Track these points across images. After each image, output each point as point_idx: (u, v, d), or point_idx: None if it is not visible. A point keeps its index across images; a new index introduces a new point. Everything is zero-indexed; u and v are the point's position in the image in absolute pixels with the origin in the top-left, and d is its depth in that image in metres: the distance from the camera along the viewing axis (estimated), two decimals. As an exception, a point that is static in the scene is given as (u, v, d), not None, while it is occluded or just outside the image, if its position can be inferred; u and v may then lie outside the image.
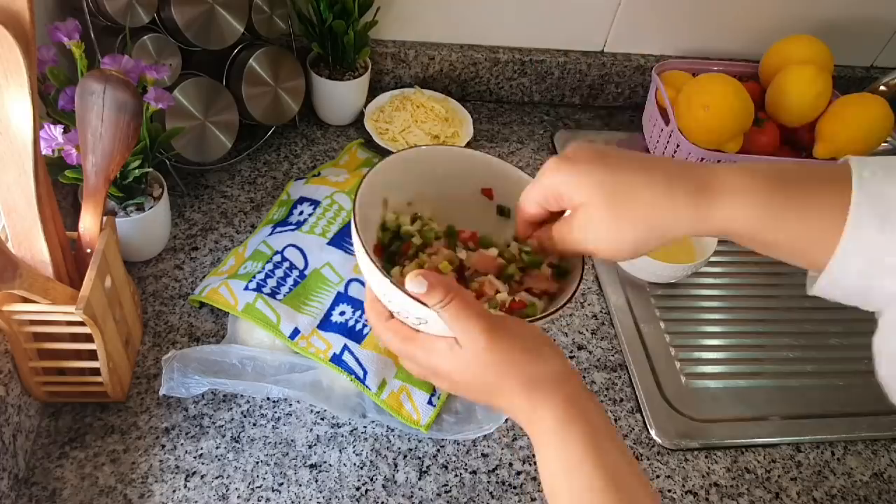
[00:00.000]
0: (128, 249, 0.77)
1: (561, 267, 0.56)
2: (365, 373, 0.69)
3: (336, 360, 0.70)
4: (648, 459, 0.72)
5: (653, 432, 0.74)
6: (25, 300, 0.56)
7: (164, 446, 0.65)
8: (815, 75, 0.97)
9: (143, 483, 0.63)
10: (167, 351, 0.71)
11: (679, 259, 0.86)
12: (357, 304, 0.74)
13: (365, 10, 0.94)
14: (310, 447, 0.67)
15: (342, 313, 0.73)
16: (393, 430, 0.70)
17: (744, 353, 0.85)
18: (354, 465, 0.67)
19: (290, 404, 0.70)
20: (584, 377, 0.78)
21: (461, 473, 0.68)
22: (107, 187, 0.61)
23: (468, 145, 1.01)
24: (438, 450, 0.69)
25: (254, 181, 0.92)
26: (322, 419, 0.70)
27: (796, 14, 1.11)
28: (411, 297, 0.45)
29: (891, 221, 0.41)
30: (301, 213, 0.82)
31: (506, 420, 0.71)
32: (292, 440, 0.68)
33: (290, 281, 0.75)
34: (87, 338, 0.60)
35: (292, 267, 0.76)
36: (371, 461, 0.67)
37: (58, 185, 0.70)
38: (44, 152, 0.61)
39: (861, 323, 0.55)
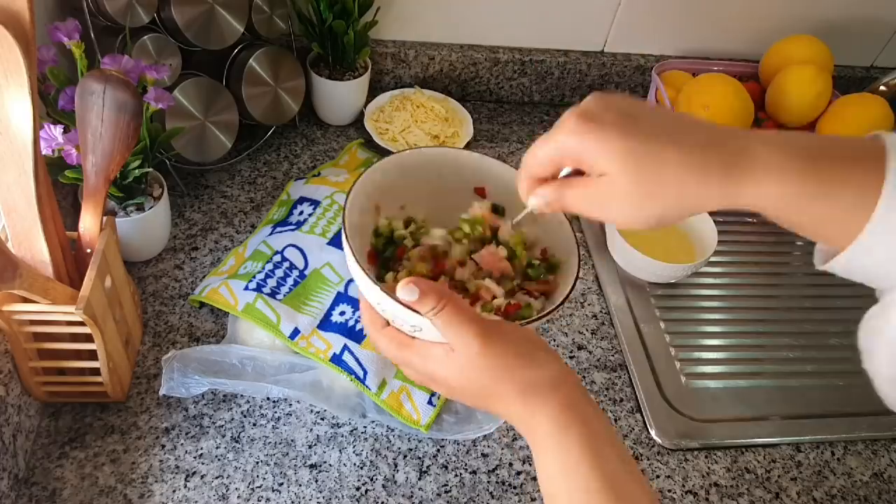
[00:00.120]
0: (128, 249, 0.77)
1: (551, 262, 0.57)
2: (365, 373, 0.69)
3: (336, 360, 0.70)
4: (648, 459, 0.72)
5: (653, 432, 0.74)
6: (25, 300, 0.56)
7: (164, 446, 0.65)
8: (815, 75, 0.98)
9: (143, 483, 0.63)
10: (167, 351, 0.71)
11: (679, 259, 0.86)
12: (357, 305, 0.74)
13: (365, 10, 0.94)
14: (310, 447, 0.67)
15: (342, 313, 0.73)
16: (393, 430, 0.70)
17: (744, 353, 0.85)
18: (354, 465, 0.67)
19: (290, 404, 0.70)
20: (583, 377, 0.78)
21: (461, 473, 0.68)
22: (107, 187, 0.61)
23: (468, 145, 1.01)
24: (438, 450, 0.69)
25: (254, 181, 0.92)
26: (322, 419, 0.69)
27: (796, 14, 1.11)
28: (403, 305, 0.45)
29: None
30: (301, 213, 0.82)
31: (505, 420, 0.71)
32: (292, 440, 0.68)
33: (290, 281, 0.75)
34: (87, 338, 0.60)
35: (292, 267, 0.76)
36: (371, 461, 0.67)
37: (58, 185, 0.70)
38: (44, 152, 0.61)
39: (861, 323, 0.55)
